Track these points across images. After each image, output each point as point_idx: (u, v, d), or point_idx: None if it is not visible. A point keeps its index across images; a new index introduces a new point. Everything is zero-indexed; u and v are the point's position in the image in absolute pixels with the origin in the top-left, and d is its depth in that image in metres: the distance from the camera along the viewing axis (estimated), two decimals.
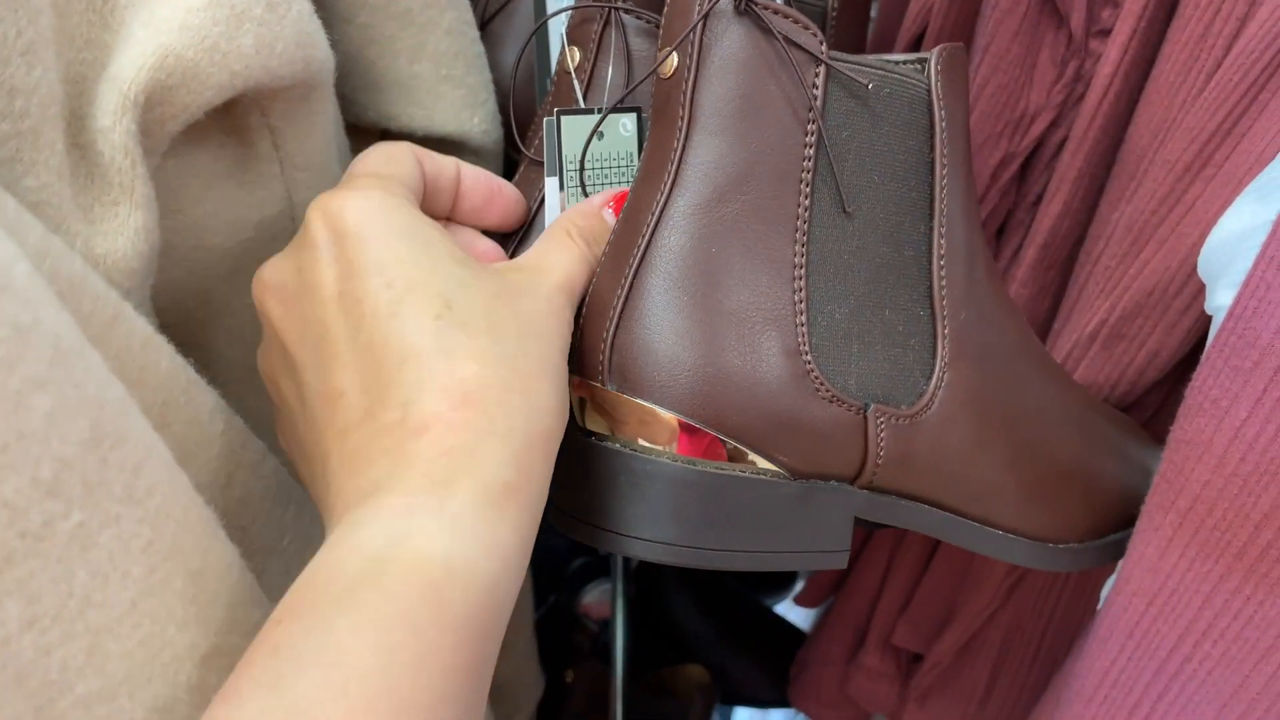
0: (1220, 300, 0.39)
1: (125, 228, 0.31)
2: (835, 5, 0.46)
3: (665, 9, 0.35)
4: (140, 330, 0.29)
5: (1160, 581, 0.40)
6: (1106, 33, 0.47)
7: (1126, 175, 0.47)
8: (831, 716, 0.71)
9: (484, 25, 0.53)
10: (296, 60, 0.34)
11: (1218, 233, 0.40)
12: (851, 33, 0.48)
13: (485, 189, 0.40)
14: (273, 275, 0.33)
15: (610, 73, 0.40)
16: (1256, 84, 0.40)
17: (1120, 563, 0.44)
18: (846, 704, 0.70)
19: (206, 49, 0.31)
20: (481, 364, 0.31)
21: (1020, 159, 0.51)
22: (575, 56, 0.41)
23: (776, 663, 0.85)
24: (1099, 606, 0.48)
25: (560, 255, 0.36)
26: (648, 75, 0.35)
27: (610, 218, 0.38)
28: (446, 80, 0.49)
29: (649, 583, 0.85)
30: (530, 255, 0.36)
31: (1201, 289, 0.42)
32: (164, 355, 0.30)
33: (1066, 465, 0.41)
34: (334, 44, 0.46)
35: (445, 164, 0.38)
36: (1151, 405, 0.49)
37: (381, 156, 0.36)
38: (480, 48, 0.50)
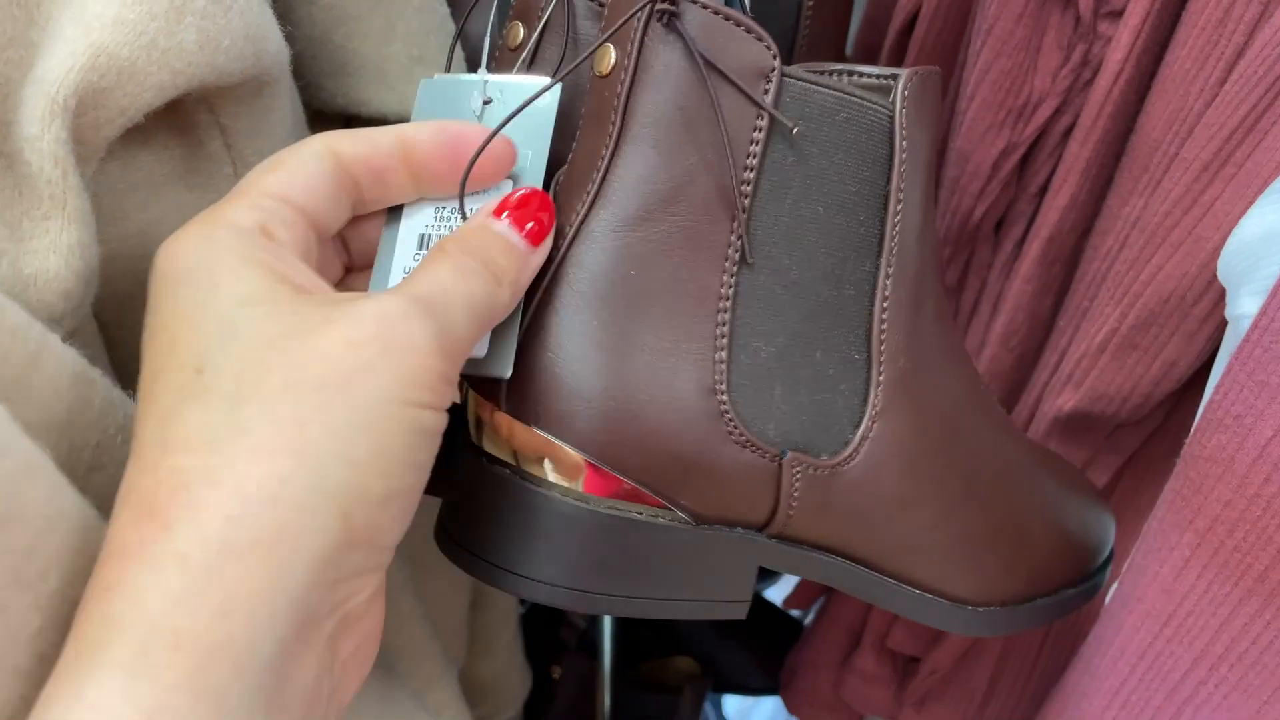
0: (1243, 308, 0.36)
1: (58, 245, 0.28)
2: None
3: None
4: (70, 365, 0.26)
5: (1175, 603, 0.38)
6: (1117, 14, 0.44)
7: (1138, 168, 0.44)
8: (825, 719, 0.69)
9: None
10: (246, 55, 0.31)
11: (1239, 235, 0.37)
12: (832, 25, 0.44)
13: (443, 154, 0.32)
14: None
15: (552, 55, 0.37)
16: None
17: (1123, 573, 0.42)
18: (840, 707, 0.68)
19: (144, 46, 0.28)
20: (206, 444, 0.24)
21: (1023, 148, 0.49)
22: (519, 33, 0.37)
23: (766, 650, 0.83)
24: (1102, 611, 0.46)
25: (428, 270, 0.29)
26: (576, 64, 0.31)
27: (505, 228, 0.30)
28: (419, 61, 0.46)
29: None
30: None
31: (1222, 296, 0.40)
32: (97, 391, 0.27)
33: (997, 526, 0.38)
34: (297, 27, 0.43)
35: (380, 141, 0.31)
36: (1159, 416, 0.47)
37: (267, 165, 0.30)
38: (451, 24, 0.47)
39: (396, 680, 0.44)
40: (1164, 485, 0.46)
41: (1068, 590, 0.41)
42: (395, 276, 0.32)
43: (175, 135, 0.33)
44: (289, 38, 0.43)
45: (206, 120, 0.33)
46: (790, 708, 0.72)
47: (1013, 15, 0.45)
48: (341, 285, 0.35)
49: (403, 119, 0.45)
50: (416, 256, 0.33)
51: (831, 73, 0.36)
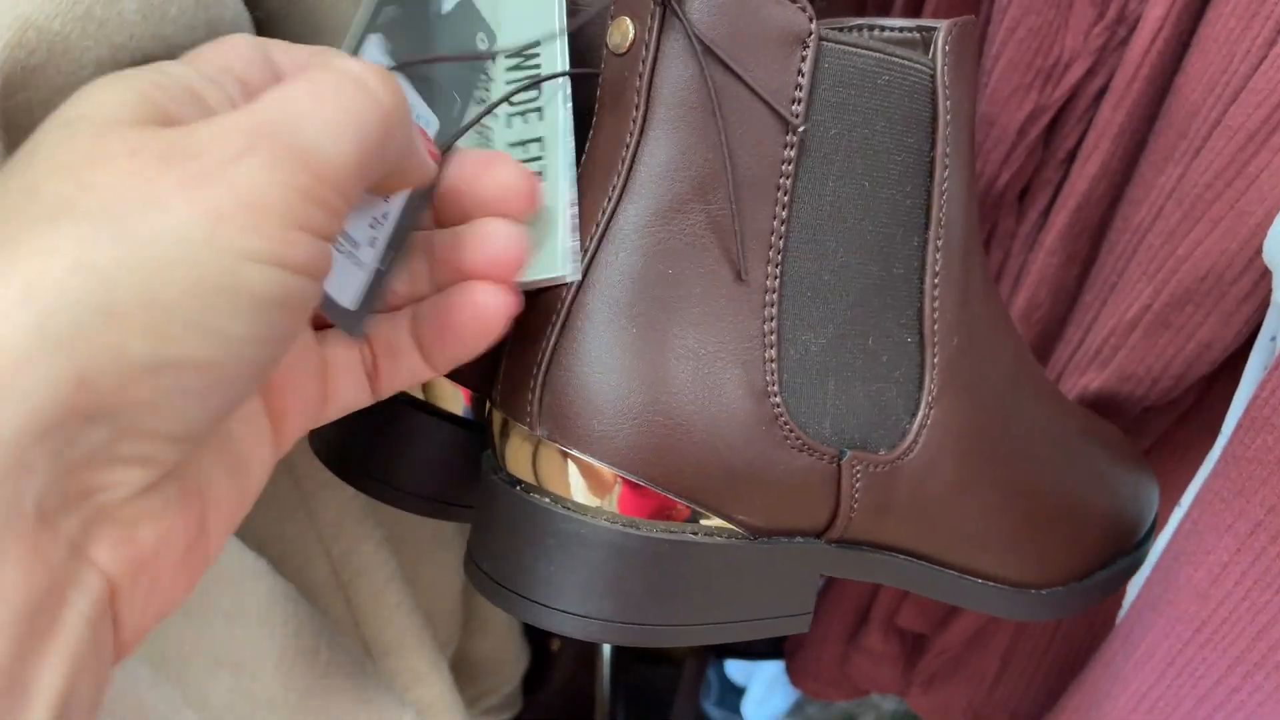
0: None
1: None
2: None
3: None
4: None
5: (1211, 609, 0.35)
6: None
7: (1175, 133, 0.41)
8: (830, 693, 0.68)
9: None
10: (198, 24, 0.28)
11: None
12: None
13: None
14: None
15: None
16: None
17: (1151, 573, 0.40)
18: (845, 682, 0.66)
19: (78, 18, 0.25)
20: None
21: (1051, 111, 0.45)
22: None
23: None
24: (1127, 603, 0.44)
25: (281, 91, 0.24)
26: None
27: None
28: None
29: None
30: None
31: (1265, 275, 0.37)
32: None
33: (1056, 506, 0.36)
34: None
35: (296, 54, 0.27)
36: (1190, 399, 0.44)
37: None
38: None
39: (374, 678, 0.42)
40: (1192, 471, 0.44)
41: (1123, 559, 0.39)
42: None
43: None
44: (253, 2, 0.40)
45: None
46: (794, 680, 0.70)
47: None
48: None
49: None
50: None
51: (856, 29, 0.33)
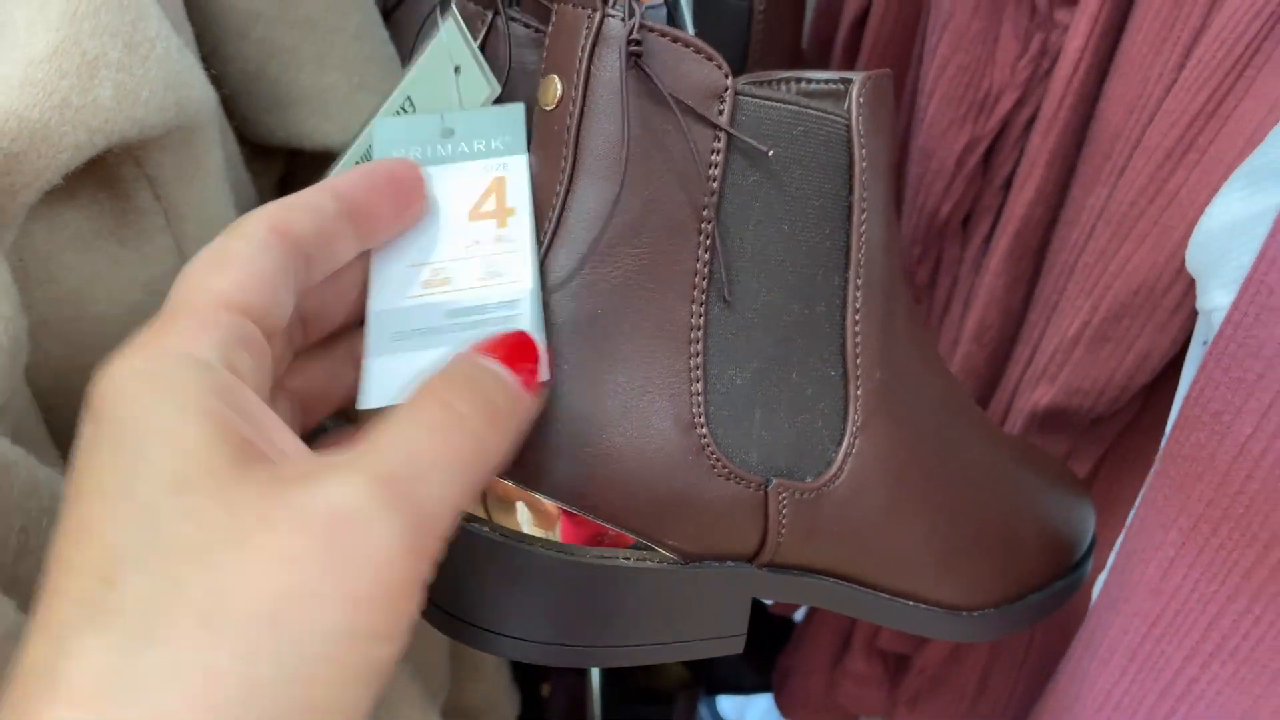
0: (1214, 300, 0.36)
1: None
2: (762, 3, 0.41)
3: (551, 25, 0.30)
4: None
5: (1164, 603, 0.37)
6: (1073, 1, 0.43)
7: (1101, 156, 0.43)
8: None
9: (388, 16, 0.48)
10: (167, 105, 0.30)
11: (1206, 223, 0.37)
12: (787, 22, 0.43)
13: (382, 195, 0.29)
14: None
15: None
16: (1242, 60, 0.36)
17: (1108, 573, 0.41)
18: (834, 708, 0.67)
19: (56, 106, 0.27)
20: (93, 698, 0.19)
21: (986, 142, 0.48)
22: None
23: (758, 649, 0.82)
24: (1090, 607, 0.45)
25: (403, 427, 0.23)
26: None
27: (497, 366, 0.26)
28: (361, 89, 0.44)
29: None
30: (363, 438, 0.24)
31: (1192, 285, 0.39)
32: (18, 474, 0.26)
33: (986, 531, 0.38)
34: (229, 63, 0.42)
35: (323, 206, 0.28)
36: (1135, 406, 0.46)
37: (210, 262, 0.26)
38: (391, 48, 0.46)
39: None
40: (1144, 474, 0.45)
41: (1057, 583, 0.40)
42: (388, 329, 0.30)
43: (102, 190, 0.32)
44: (222, 75, 0.42)
45: (133, 173, 0.32)
46: (785, 712, 0.71)
47: (968, 7, 0.44)
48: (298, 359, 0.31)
49: (347, 148, 0.43)
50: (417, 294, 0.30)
51: (780, 82, 0.35)
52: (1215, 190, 0.37)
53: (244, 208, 0.39)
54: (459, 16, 0.33)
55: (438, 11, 0.34)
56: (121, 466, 0.22)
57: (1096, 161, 0.44)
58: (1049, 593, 0.40)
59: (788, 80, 0.35)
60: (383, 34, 0.45)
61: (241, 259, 0.25)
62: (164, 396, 0.22)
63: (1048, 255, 0.48)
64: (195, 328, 0.24)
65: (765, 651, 0.78)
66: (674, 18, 0.33)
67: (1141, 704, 0.39)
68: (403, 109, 0.35)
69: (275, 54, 0.41)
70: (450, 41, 0.33)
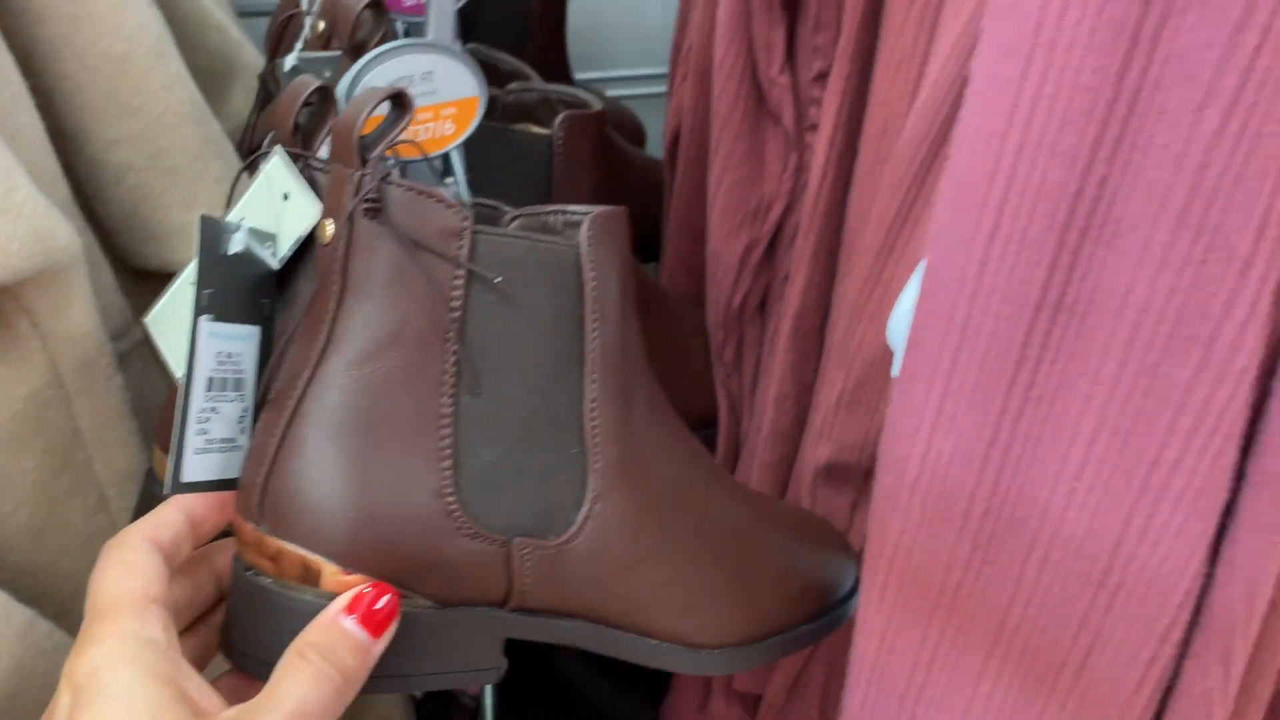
0: (896, 371, 0.44)
1: None
2: (560, 135, 0.50)
3: (329, 178, 0.38)
4: None
5: (874, 655, 0.44)
6: (816, 127, 0.53)
7: (845, 252, 0.52)
8: None
9: (249, 162, 0.57)
10: (36, 254, 0.38)
11: (897, 309, 0.45)
12: (585, 160, 0.52)
13: (218, 509, 0.40)
14: None
15: None
16: (918, 177, 0.45)
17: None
18: None
19: None
20: None
21: (765, 242, 0.56)
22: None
23: (660, 696, 0.88)
24: None
25: (291, 681, 0.34)
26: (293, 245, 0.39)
27: (352, 626, 0.36)
28: None
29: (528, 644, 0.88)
30: (263, 691, 0.35)
31: None
32: None
33: (725, 578, 0.45)
34: (108, 205, 0.50)
35: (172, 519, 0.38)
36: None
37: (117, 572, 0.36)
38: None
39: None
40: None
41: (805, 626, 0.48)
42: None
43: None
44: (103, 215, 0.50)
45: (12, 307, 0.39)
46: None
47: (731, 135, 0.53)
48: None
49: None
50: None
51: (548, 214, 0.43)
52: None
53: (116, 327, 0.47)
54: (284, 152, 0.41)
55: (264, 155, 0.42)
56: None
57: (844, 256, 0.52)
58: (796, 633, 0.47)
59: (555, 212, 0.43)
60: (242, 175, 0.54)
61: (140, 565, 0.36)
62: (133, 668, 0.33)
63: (825, 333, 0.57)
64: (136, 616, 0.34)
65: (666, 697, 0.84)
66: (449, 167, 0.42)
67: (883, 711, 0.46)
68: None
69: (147, 197, 0.49)
70: (277, 173, 0.41)
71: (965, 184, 0.32)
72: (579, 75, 0.86)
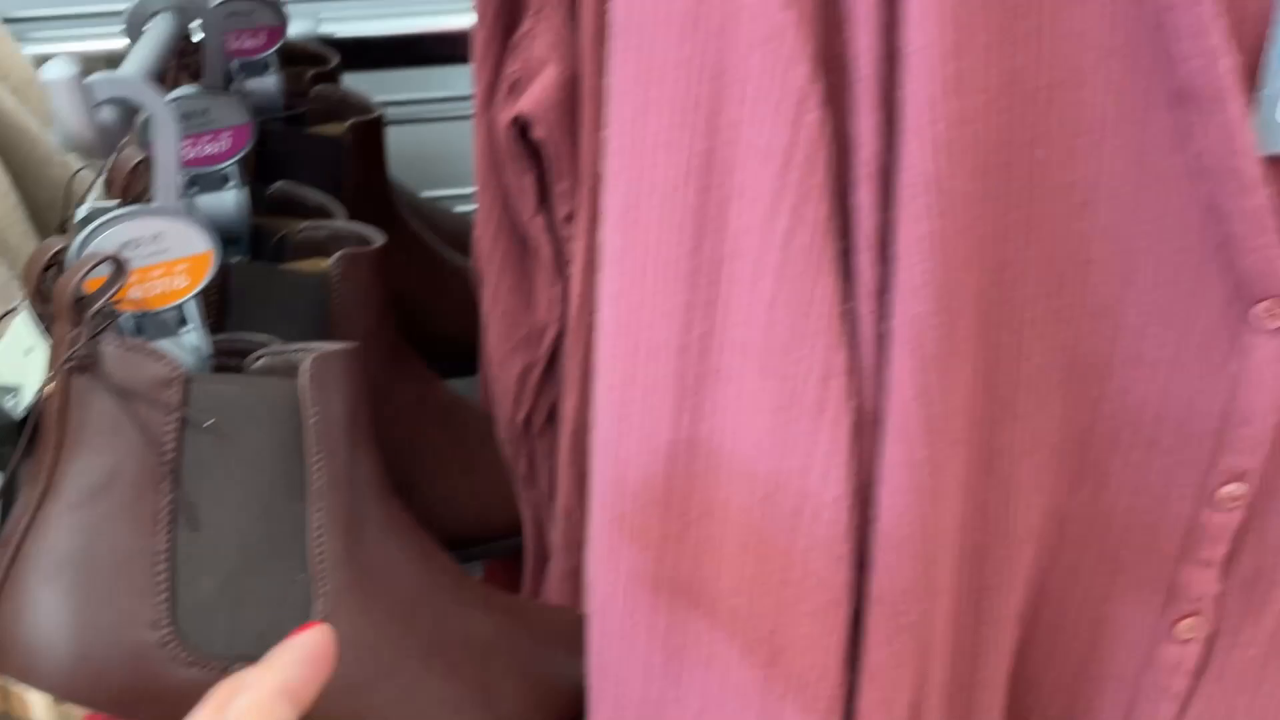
0: None
1: None
2: (336, 273, 0.54)
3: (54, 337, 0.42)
4: None
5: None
6: (568, 263, 0.57)
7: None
8: None
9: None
10: None
11: None
12: (360, 300, 0.56)
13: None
14: None
15: None
16: None
17: None
18: None
19: None
20: None
21: (542, 364, 0.60)
22: None
23: None
24: None
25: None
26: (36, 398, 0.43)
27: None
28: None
29: None
30: None
31: None
32: None
33: (464, 689, 0.48)
34: None
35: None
36: None
37: None
38: None
39: None
40: None
41: None
42: None
43: None
44: None
45: None
46: None
47: (495, 270, 0.58)
48: None
49: None
50: None
51: (294, 351, 0.47)
52: None
53: None
54: (30, 309, 0.45)
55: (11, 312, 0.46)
56: None
57: None
58: None
59: (299, 350, 0.47)
60: None
61: None
62: None
63: None
64: None
65: None
66: (185, 317, 0.46)
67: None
68: None
69: None
70: (23, 330, 0.45)
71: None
72: (431, 193, 0.91)
